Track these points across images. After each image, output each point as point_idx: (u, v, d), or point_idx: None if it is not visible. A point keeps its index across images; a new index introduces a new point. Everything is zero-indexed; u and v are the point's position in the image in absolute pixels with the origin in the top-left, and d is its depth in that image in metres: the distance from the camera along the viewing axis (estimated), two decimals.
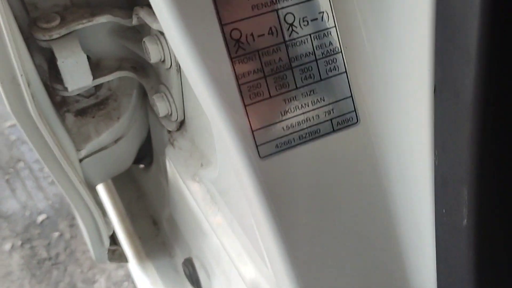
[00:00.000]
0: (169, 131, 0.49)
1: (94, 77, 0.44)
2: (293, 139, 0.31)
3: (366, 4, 0.29)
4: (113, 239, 0.70)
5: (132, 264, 0.73)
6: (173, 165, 0.47)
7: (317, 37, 0.30)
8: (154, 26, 0.38)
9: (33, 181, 1.33)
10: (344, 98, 0.32)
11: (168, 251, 0.72)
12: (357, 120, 0.32)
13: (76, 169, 0.49)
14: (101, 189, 0.78)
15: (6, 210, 1.26)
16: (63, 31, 0.40)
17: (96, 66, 0.46)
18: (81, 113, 0.53)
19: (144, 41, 0.39)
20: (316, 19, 0.30)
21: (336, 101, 0.32)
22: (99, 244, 0.58)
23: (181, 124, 0.46)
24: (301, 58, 0.30)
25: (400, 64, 0.30)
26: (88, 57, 0.45)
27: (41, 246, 1.20)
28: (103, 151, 0.57)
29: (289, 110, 0.30)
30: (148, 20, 0.38)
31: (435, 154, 0.31)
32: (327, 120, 0.32)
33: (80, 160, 0.55)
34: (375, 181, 0.33)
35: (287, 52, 0.30)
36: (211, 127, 0.37)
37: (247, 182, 0.31)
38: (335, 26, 0.31)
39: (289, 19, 0.29)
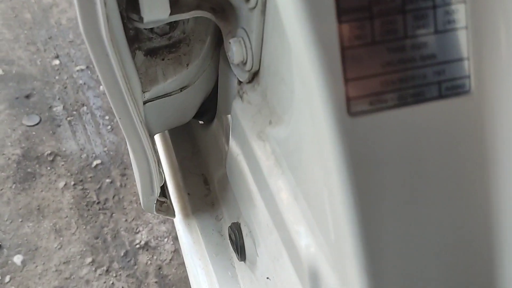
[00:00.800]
0: (240, 83, 0.45)
1: (172, 13, 0.41)
2: (391, 98, 0.26)
3: None
4: (163, 191, 0.69)
5: (177, 219, 0.71)
6: (239, 119, 0.44)
7: None
8: None
9: (94, 126, 1.36)
10: (458, 60, 0.27)
11: (215, 213, 0.70)
12: (470, 89, 0.27)
13: (139, 109, 0.47)
14: (157, 140, 0.77)
15: (65, 150, 1.30)
16: None
17: (175, 2, 0.43)
18: (151, 53, 0.50)
19: None
20: None
21: (449, 61, 0.27)
22: (149, 191, 0.57)
23: (254, 76, 0.43)
24: (417, 1, 0.25)
25: None
26: None
27: (92, 190, 1.23)
28: (167, 98, 0.54)
29: (392, 63, 0.26)
30: None
31: None
32: (435, 83, 0.27)
33: (144, 103, 0.53)
34: (479, 161, 0.28)
35: None
36: (293, 76, 0.33)
37: (329, 141, 0.27)
38: None
39: None
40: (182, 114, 0.60)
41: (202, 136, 0.72)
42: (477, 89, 0.27)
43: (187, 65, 0.52)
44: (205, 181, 0.72)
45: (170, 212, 0.67)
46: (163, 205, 0.67)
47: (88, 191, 1.23)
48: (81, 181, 1.24)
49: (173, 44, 0.50)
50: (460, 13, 0.26)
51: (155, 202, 0.61)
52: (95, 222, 1.18)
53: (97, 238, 1.15)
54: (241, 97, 0.44)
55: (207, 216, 0.69)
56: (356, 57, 0.25)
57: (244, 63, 0.42)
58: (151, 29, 0.47)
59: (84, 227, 1.16)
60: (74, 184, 1.24)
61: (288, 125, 0.36)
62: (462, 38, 0.26)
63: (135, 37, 0.48)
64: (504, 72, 0.26)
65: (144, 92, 0.52)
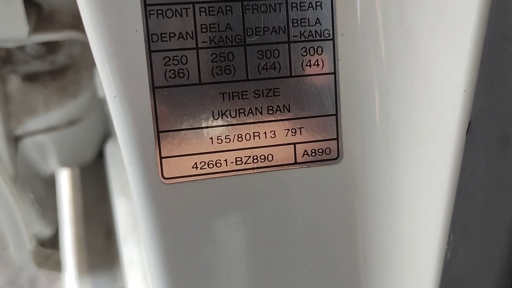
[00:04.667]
0: None
1: (35, 30, 0.34)
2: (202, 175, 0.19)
3: None
4: (56, 242, 0.59)
5: (70, 277, 0.61)
6: (108, 166, 0.36)
7: (297, 6, 0.19)
8: None
9: None
10: (322, 115, 0.20)
11: (114, 272, 0.60)
12: (338, 155, 0.20)
13: None
14: (65, 180, 0.68)
15: None
16: None
17: (47, 20, 0.36)
18: (31, 78, 0.43)
19: None
20: None
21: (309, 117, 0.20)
22: (18, 244, 0.47)
23: None
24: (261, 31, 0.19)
25: (423, 83, 0.18)
26: (40, 6, 0.36)
27: None
28: (52, 133, 0.46)
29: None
30: None
31: (449, 240, 0.18)
32: (290, 144, 0.20)
33: (18, 138, 0.44)
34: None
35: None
36: None
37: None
38: None
39: None
40: (76, 153, 0.51)
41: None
42: (347, 156, 0.20)
43: (76, 95, 0.45)
44: (109, 232, 0.63)
45: (57, 267, 0.57)
46: (51, 258, 0.58)
47: None
48: None
49: (59, 71, 0.43)
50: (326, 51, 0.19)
51: (31, 254, 0.51)
52: None
53: None
54: (115, 138, 0.37)
55: (104, 277, 0.60)
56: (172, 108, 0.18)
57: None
58: (23, 50, 0.40)
59: None
60: None
61: None
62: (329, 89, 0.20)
63: (7, 58, 0.41)
64: (379, 137, 0.20)
65: (20, 124, 0.44)
